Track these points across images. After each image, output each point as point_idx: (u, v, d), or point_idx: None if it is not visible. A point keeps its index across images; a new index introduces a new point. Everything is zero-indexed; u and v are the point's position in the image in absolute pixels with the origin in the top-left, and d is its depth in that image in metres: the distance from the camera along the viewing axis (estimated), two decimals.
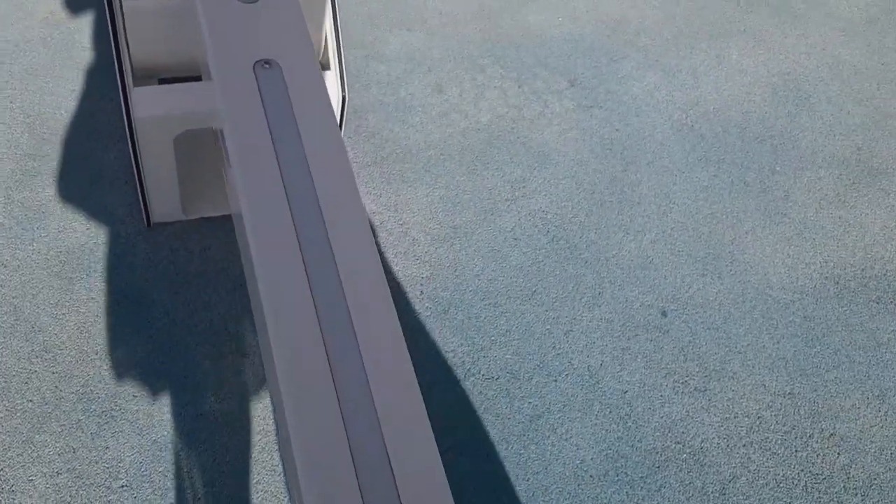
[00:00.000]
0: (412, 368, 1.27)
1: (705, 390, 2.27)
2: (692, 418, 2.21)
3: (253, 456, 2.00)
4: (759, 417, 2.23)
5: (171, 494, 1.92)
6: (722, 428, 2.20)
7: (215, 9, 1.70)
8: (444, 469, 1.18)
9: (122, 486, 1.92)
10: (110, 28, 2.07)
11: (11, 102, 2.68)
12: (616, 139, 2.90)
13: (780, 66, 3.28)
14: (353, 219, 1.42)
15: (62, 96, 2.72)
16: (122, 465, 1.95)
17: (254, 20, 1.70)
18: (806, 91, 3.19)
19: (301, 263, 1.34)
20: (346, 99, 2.20)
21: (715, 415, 2.22)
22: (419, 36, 3.18)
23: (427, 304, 2.36)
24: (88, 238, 2.36)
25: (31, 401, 2.03)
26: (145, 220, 2.40)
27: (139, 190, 2.30)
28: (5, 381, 2.05)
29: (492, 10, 3.34)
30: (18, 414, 2.01)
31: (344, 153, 1.51)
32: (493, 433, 2.12)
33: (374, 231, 2.51)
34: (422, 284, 2.40)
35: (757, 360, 2.34)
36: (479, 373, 2.23)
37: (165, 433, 2.01)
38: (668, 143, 2.91)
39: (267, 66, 1.61)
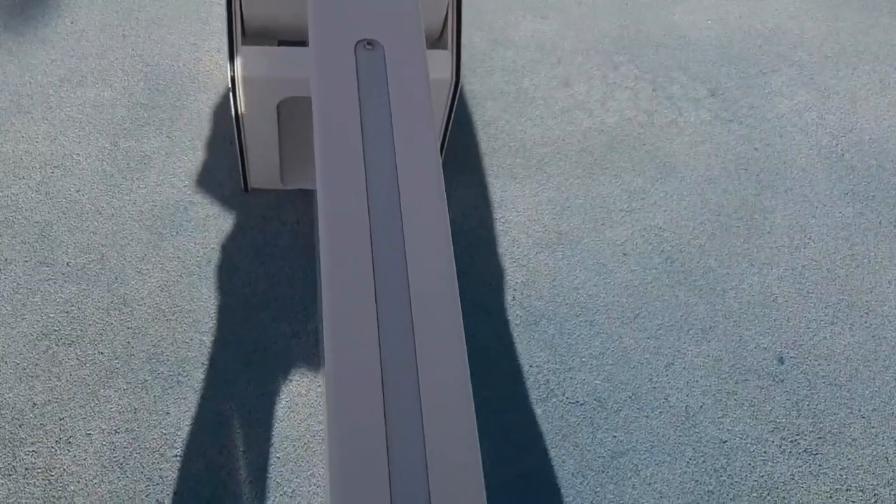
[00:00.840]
0: (468, 376, 1.14)
1: (817, 453, 2.01)
2: (797, 483, 1.95)
3: (312, 446, 1.89)
4: (875, 494, 1.95)
5: (223, 473, 1.84)
6: (830, 500, 1.94)
7: None
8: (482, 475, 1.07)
9: (176, 456, 1.85)
10: None
11: (133, 50, 2.67)
12: (753, 159, 2.63)
13: None
14: (433, 214, 1.29)
15: (183, 49, 2.70)
16: (179, 433, 1.89)
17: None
18: None
19: (369, 248, 1.23)
20: (460, 83, 2.05)
21: (825, 483, 1.96)
22: (553, 24, 2.99)
23: (518, 312, 2.19)
24: (184, 195, 2.31)
25: (102, 353, 1.99)
26: (243, 184, 2.33)
27: (239, 152, 2.23)
28: (81, 330, 2.02)
29: (636, 5, 3.11)
30: (88, 365, 1.97)
31: (435, 146, 1.37)
32: (570, 463, 1.94)
33: (473, 227, 2.35)
34: (515, 290, 2.24)
35: (882, 429, 2.06)
36: (564, 395, 2.05)
37: (227, 408, 1.93)
38: (811, 171, 2.62)
39: (370, 46, 1.48)
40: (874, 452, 2.02)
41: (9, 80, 2.51)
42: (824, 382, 2.13)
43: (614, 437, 1.99)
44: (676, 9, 3.11)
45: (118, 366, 1.98)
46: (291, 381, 1.98)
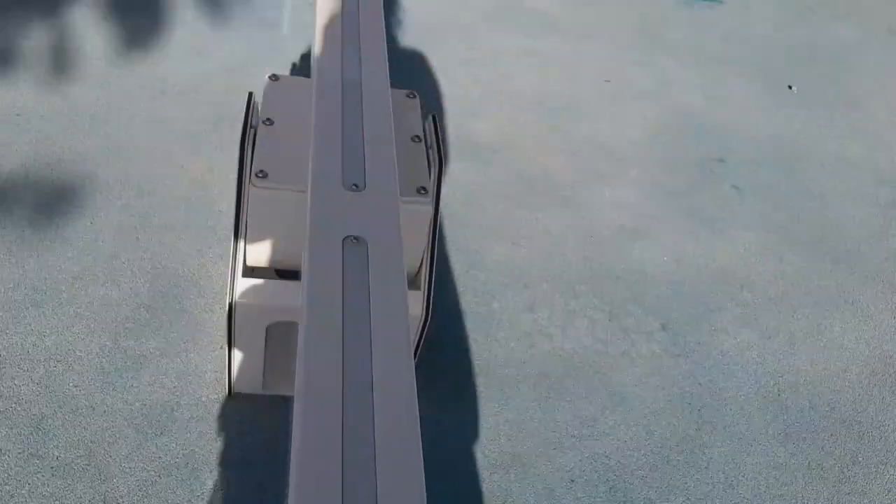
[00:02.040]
0: None
1: None
2: None
3: None
4: None
5: None
6: None
7: (322, 194, 1.85)
8: None
9: None
10: (234, 210, 2.29)
11: (143, 253, 2.96)
12: (696, 394, 2.88)
13: (883, 347, 3.20)
14: (405, 415, 1.43)
15: (188, 255, 2.99)
16: None
17: (354, 204, 1.84)
18: None
19: (339, 461, 1.35)
20: (430, 320, 2.32)
21: None
22: (523, 252, 3.32)
23: None
24: (173, 396, 2.53)
25: None
26: (227, 389, 2.56)
27: (228, 361, 2.46)
28: None
29: (600, 238, 3.46)
30: None
31: (407, 339, 1.55)
32: None
33: (434, 443, 2.56)
34: None
35: None
36: None
37: None
38: (748, 409, 2.86)
39: (355, 241, 1.73)
40: None
41: (27, 276, 2.79)
42: None
43: None
44: (636, 245, 3.46)
45: None
46: None
